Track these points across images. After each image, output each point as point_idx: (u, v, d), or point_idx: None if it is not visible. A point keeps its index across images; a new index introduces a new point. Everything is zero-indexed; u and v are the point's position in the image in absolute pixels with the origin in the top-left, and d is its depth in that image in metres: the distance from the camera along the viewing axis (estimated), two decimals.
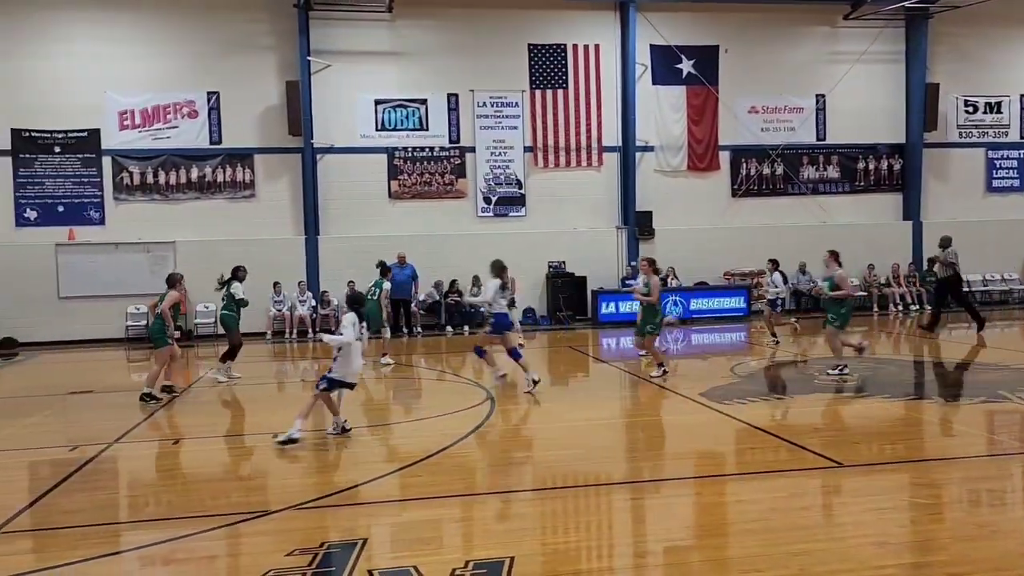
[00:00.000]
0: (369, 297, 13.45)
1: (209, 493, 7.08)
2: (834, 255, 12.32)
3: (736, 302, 21.12)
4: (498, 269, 11.59)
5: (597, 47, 21.53)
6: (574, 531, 5.92)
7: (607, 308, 20.43)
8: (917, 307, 22.03)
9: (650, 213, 21.68)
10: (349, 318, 8.52)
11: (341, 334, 8.50)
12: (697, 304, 20.87)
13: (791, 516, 5.90)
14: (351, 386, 8.78)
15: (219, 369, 12.78)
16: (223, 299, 12.86)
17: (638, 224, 21.55)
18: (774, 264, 16.72)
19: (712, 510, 6.28)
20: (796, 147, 22.73)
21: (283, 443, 8.18)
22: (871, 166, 23.16)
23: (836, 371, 11.55)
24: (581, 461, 7.63)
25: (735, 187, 22.51)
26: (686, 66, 21.96)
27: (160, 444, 9.08)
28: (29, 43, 19.15)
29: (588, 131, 21.62)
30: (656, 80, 21.88)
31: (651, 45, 21.70)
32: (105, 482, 7.60)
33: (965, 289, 19.07)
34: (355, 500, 6.56)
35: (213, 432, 9.74)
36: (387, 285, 14.61)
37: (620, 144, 21.69)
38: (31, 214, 19.45)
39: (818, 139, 22.86)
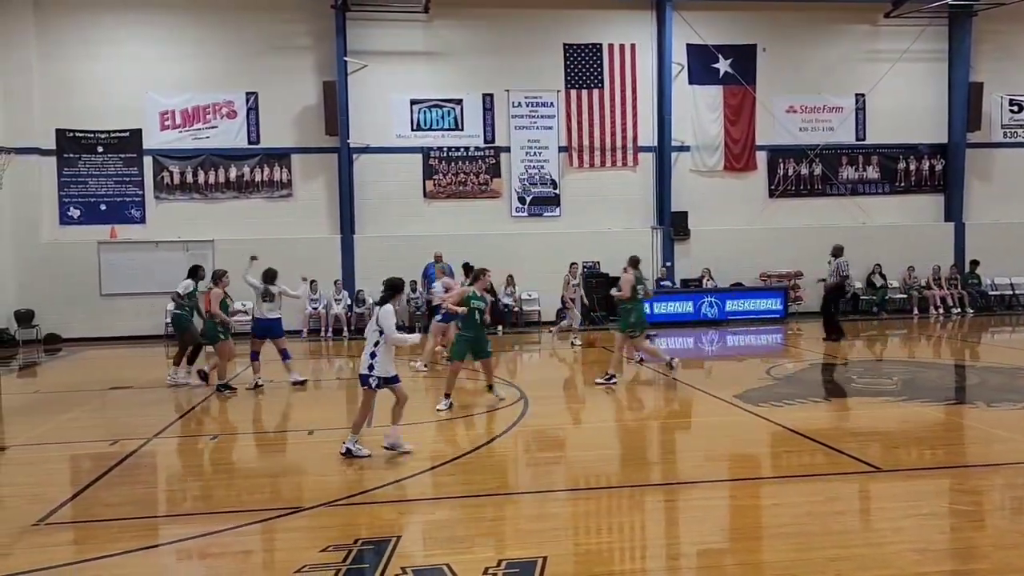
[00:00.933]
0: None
1: (245, 488, 7.17)
2: (632, 261, 12.45)
3: (772, 304, 20.87)
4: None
5: (633, 46, 21.43)
6: (606, 532, 5.89)
7: None
8: (959, 310, 21.60)
9: (685, 213, 21.53)
10: (388, 310, 7.92)
11: (406, 334, 8.05)
12: (732, 305, 20.66)
13: (827, 521, 5.81)
14: (396, 379, 8.53)
15: (186, 372, 12.74)
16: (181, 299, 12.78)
17: (673, 224, 21.41)
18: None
19: (746, 513, 6.21)
20: (835, 147, 22.41)
21: (391, 448, 7.88)
22: (912, 166, 22.76)
23: (604, 379, 11.51)
24: (614, 462, 7.60)
25: (772, 187, 22.26)
26: (723, 65, 21.77)
27: (198, 440, 9.21)
28: (73, 46, 19.58)
29: (623, 131, 21.53)
30: (693, 79, 21.72)
31: (688, 44, 21.55)
32: (144, 476, 7.73)
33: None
34: (388, 498, 6.60)
35: (249, 428, 9.88)
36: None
37: (656, 144, 21.57)
38: (74, 212, 19.88)
39: (857, 139, 22.52)
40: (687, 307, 20.19)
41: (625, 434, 8.78)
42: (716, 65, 21.77)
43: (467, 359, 10.61)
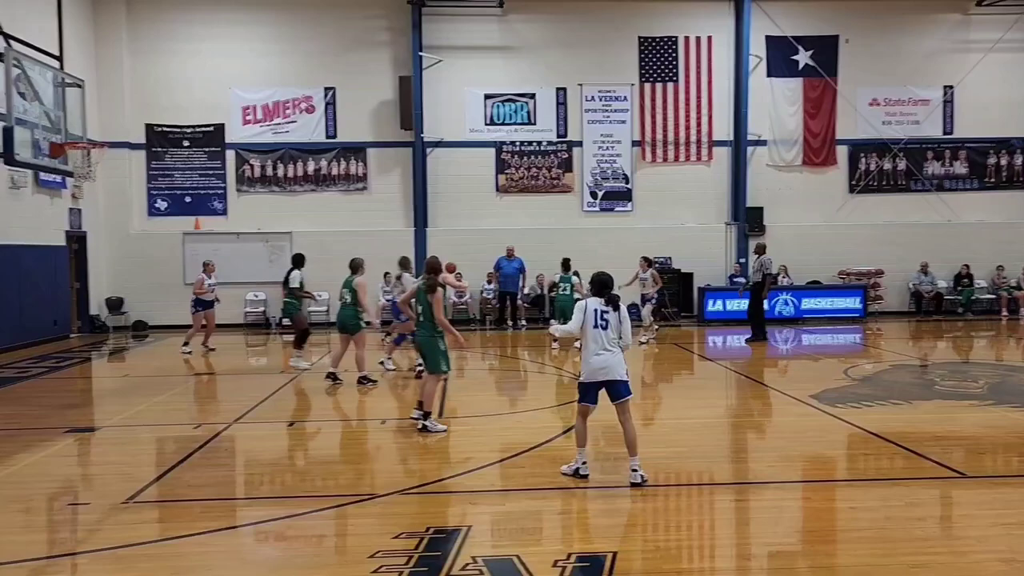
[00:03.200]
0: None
1: (319, 474, 7.36)
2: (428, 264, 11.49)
3: (851, 302, 20.30)
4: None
5: (710, 39, 21.08)
6: (675, 530, 5.84)
7: (714, 306, 20.00)
8: None
9: (761, 209, 21.10)
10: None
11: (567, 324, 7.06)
12: (809, 303, 20.17)
13: (908, 526, 5.63)
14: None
15: (297, 356, 13.22)
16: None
17: (748, 220, 21.00)
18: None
19: (821, 515, 6.07)
20: (920, 141, 21.61)
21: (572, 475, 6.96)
22: (1003, 161, 21.77)
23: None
24: (684, 460, 7.52)
25: (853, 183, 21.61)
26: (803, 57, 21.22)
27: (275, 426, 9.49)
28: (162, 43, 20.32)
29: (698, 125, 21.21)
30: (771, 72, 21.24)
31: (767, 36, 21.08)
32: (225, 459, 8.01)
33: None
34: (459, 488, 6.68)
35: (325, 416, 10.12)
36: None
37: (731, 138, 21.18)
38: (161, 204, 20.66)
39: (945, 133, 21.66)
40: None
41: (696, 432, 8.67)
42: (796, 57, 21.24)
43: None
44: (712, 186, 21.37)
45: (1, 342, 15.52)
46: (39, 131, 12.31)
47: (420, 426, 8.61)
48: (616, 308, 6.79)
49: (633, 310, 20.47)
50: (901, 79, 21.45)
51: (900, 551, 5.15)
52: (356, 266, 11.83)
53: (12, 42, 11.84)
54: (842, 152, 21.56)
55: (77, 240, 19.01)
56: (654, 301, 16.56)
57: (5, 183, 15.93)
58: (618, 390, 6.77)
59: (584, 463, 6.79)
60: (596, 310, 6.75)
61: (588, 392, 6.80)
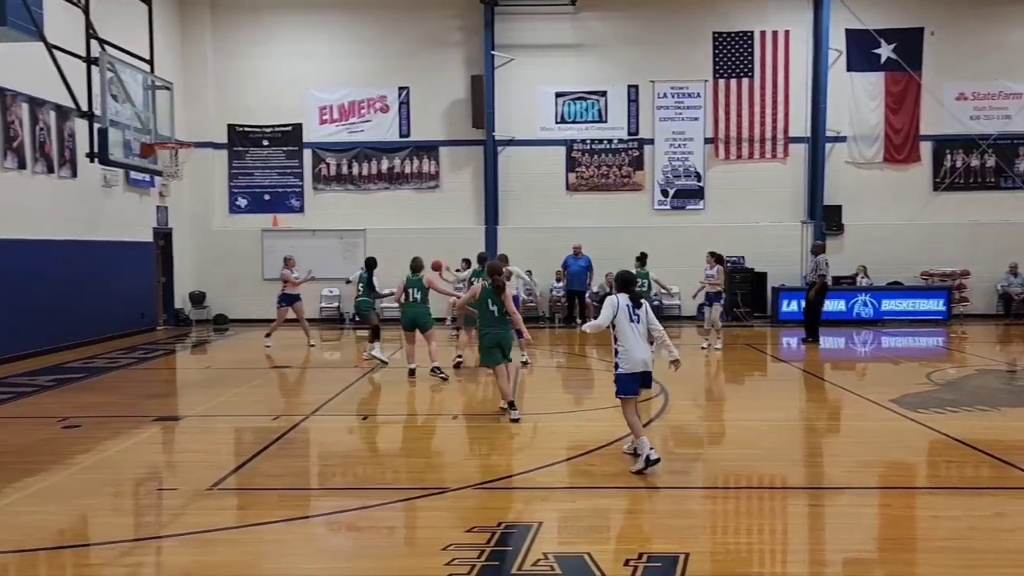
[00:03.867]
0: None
1: (392, 467, 7.51)
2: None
3: (934, 304, 19.60)
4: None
5: (787, 33, 20.62)
6: (746, 533, 5.75)
7: (788, 306, 19.56)
8: None
9: (839, 207, 20.55)
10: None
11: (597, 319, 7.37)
12: (889, 305, 19.56)
13: (995, 537, 5.43)
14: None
15: (371, 349, 13.57)
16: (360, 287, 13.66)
17: (826, 219, 20.47)
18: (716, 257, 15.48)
19: (901, 524, 5.90)
20: (1011, 137, 20.70)
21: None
22: None
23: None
24: (757, 462, 7.40)
25: (937, 180, 20.84)
26: (885, 51, 20.56)
27: (350, 419, 9.70)
28: (244, 46, 20.97)
29: (774, 121, 20.77)
30: (851, 66, 20.65)
31: (847, 29, 20.50)
32: (301, 450, 8.24)
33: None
34: (529, 484, 6.72)
35: (397, 410, 10.31)
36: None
37: (808, 135, 20.68)
38: (242, 202, 21.33)
39: None
40: (839, 305, 19.25)
41: (769, 434, 8.51)
42: (877, 50, 20.59)
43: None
44: (788, 184, 20.90)
45: (93, 333, 16.27)
46: (130, 132, 12.83)
47: (514, 417, 9.03)
48: (639, 305, 7.19)
49: (702, 312, 20.25)
50: (991, 72, 20.57)
51: (985, 563, 4.97)
52: (419, 265, 12.28)
53: (106, 47, 12.38)
54: (926, 148, 20.82)
55: (163, 236, 19.79)
56: (722, 301, 15.66)
57: (98, 182, 16.71)
58: (647, 381, 7.23)
59: (651, 448, 6.87)
60: (627, 305, 7.12)
61: (630, 384, 7.12)
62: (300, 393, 11.83)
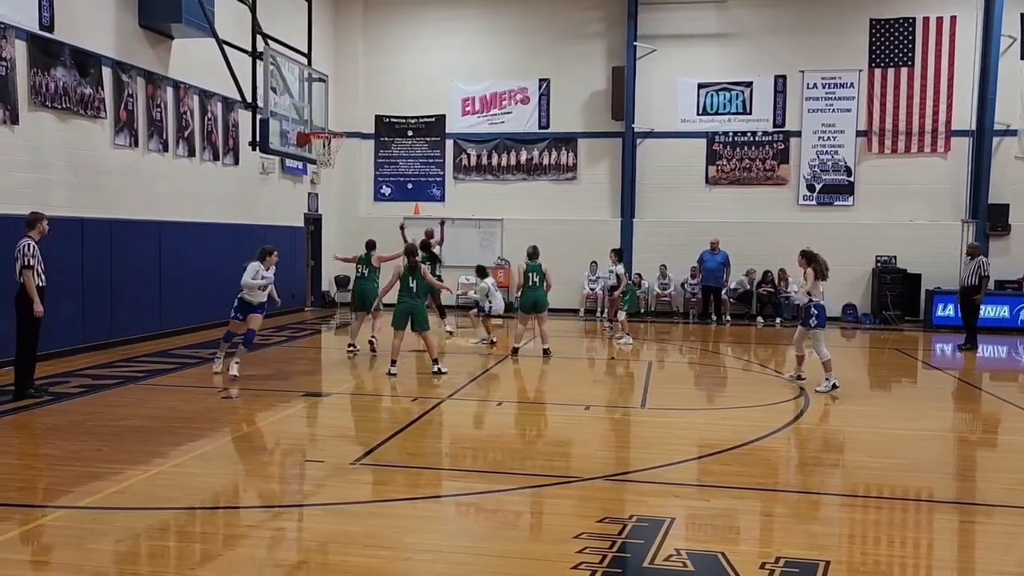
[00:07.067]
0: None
1: (524, 454, 7.66)
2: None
3: None
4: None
5: (953, 19, 19.28)
6: (888, 545, 5.50)
7: (943, 311, 18.36)
8: None
9: (1006, 206, 19.06)
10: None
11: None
12: None
13: None
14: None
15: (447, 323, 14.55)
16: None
17: (990, 218, 19.05)
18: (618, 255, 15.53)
19: None
20: None
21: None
22: None
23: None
24: (903, 472, 7.05)
25: None
26: None
27: (484, 404, 9.95)
28: (393, 39, 21.72)
29: (935, 113, 19.50)
30: None
31: (1023, 14, 18.95)
32: (437, 432, 8.55)
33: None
34: (662, 479, 6.67)
35: (530, 398, 10.48)
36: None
37: (973, 128, 19.29)
38: (386, 190, 22.17)
39: None
40: (1002, 311, 17.92)
41: (919, 445, 8.08)
42: None
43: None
44: (947, 180, 19.59)
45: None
46: (287, 123, 13.63)
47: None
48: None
49: (849, 311, 19.38)
50: None
51: None
52: (537, 252, 13.35)
53: (270, 42, 13.18)
54: None
55: (313, 222, 20.86)
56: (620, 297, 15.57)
57: (256, 169, 17.81)
58: None
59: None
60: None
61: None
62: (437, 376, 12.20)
